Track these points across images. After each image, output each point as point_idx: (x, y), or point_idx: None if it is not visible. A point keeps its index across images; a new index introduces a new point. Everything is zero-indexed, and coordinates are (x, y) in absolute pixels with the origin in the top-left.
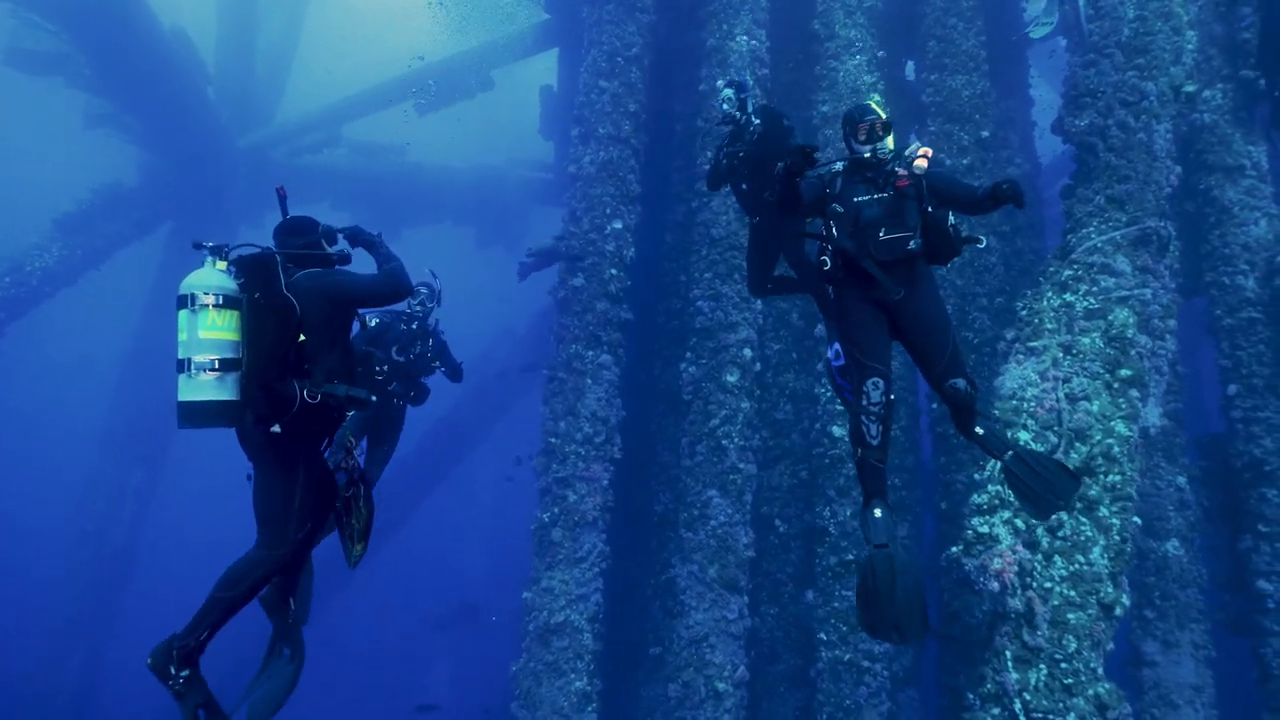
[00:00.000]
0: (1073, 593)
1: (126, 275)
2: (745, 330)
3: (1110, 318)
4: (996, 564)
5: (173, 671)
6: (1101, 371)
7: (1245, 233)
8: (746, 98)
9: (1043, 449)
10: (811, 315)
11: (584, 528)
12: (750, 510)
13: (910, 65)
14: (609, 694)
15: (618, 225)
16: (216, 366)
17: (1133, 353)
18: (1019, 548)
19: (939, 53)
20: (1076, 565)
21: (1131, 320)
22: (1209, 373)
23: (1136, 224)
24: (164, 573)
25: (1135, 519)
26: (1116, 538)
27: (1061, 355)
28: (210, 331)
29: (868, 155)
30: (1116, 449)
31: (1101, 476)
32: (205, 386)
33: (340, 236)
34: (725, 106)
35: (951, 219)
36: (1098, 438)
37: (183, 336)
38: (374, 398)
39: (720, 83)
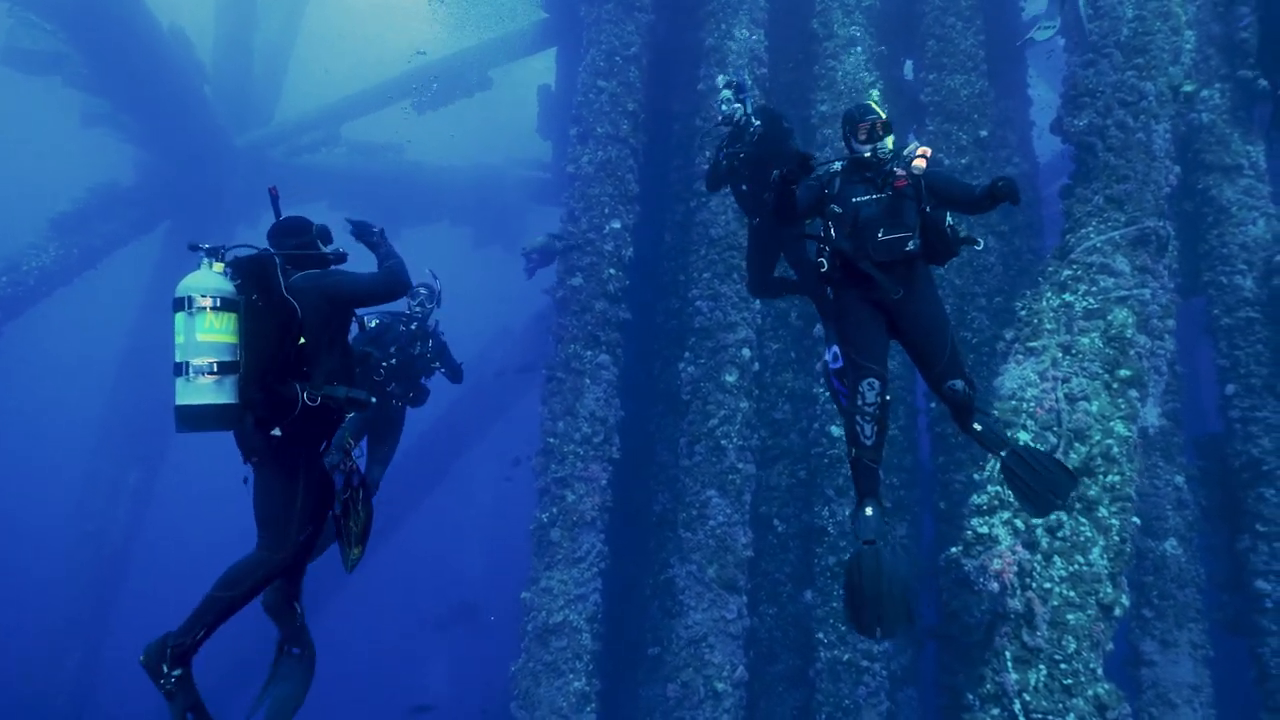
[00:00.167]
0: (1072, 593)
1: (123, 275)
2: (744, 330)
3: (1109, 318)
4: (996, 564)
5: (165, 670)
6: (1101, 372)
7: (1243, 232)
8: (746, 98)
9: (1042, 449)
10: (810, 315)
11: (583, 528)
12: (749, 510)
13: (909, 64)
14: (608, 694)
15: (616, 225)
16: (215, 370)
17: (1132, 353)
18: (1019, 548)
19: (937, 52)
20: (1076, 566)
21: (1130, 320)
22: (1207, 372)
23: (1135, 224)
24: (162, 572)
25: (1134, 519)
26: (1116, 538)
27: (1061, 355)
28: (208, 334)
29: (868, 155)
30: (1116, 449)
31: (1101, 477)
32: (204, 390)
33: (333, 234)
34: (724, 107)
35: (949, 219)
36: (1097, 438)
37: (180, 339)
38: (373, 399)
39: (720, 79)
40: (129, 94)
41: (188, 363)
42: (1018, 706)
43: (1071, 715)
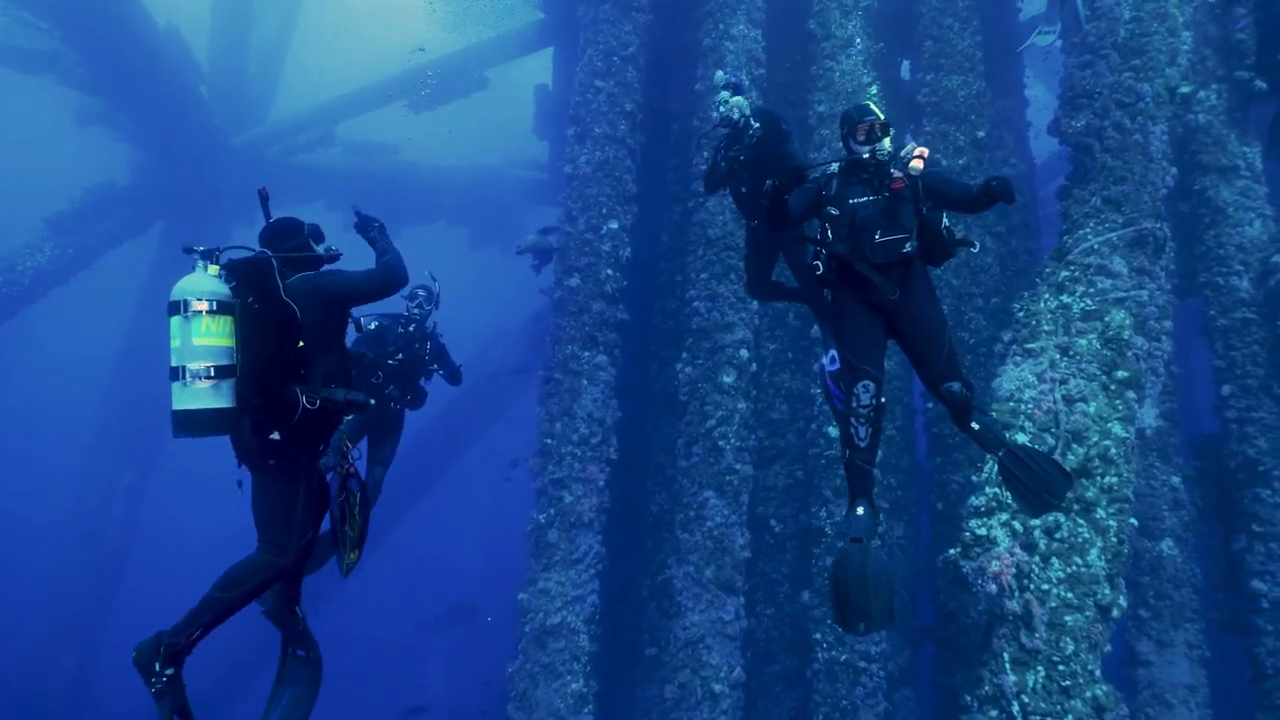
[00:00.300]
0: (1070, 594)
1: (119, 274)
2: (741, 330)
3: (1107, 319)
4: (994, 566)
5: (157, 669)
6: (1098, 373)
7: (1240, 233)
8: (744, 96)
9: (1040, 450)
10: (808, 315)
11: (580, 529)
12: (746, 511)
13: (905, 65)
14: (605, 696)
15: (614, 225)
16: (212, 374)
17: (1129, 354)
18: (1017, 550)
19: (935, 53)
20: (1074, 567)
21: (1128, 322)
22: (1203, 373)
23: (1133, 225)
24: (159, 571)
25: (1132, 520)
26: (1114, 539)
27: (1058, 357)
28: (205, 338)
29: (866, 156)
30: (1113, 450)
31: (1098, 478)
32: (201, 395)
33: (325, 232)
34: (722, 109)
35: (945, 221)
36: (1095, 439)
37: (176, 344)
38: (371, 401)
39: (719, 75)
40: (124, 93)
41: (184, 367)
42: (1016, 708)
43: (1070, 717)
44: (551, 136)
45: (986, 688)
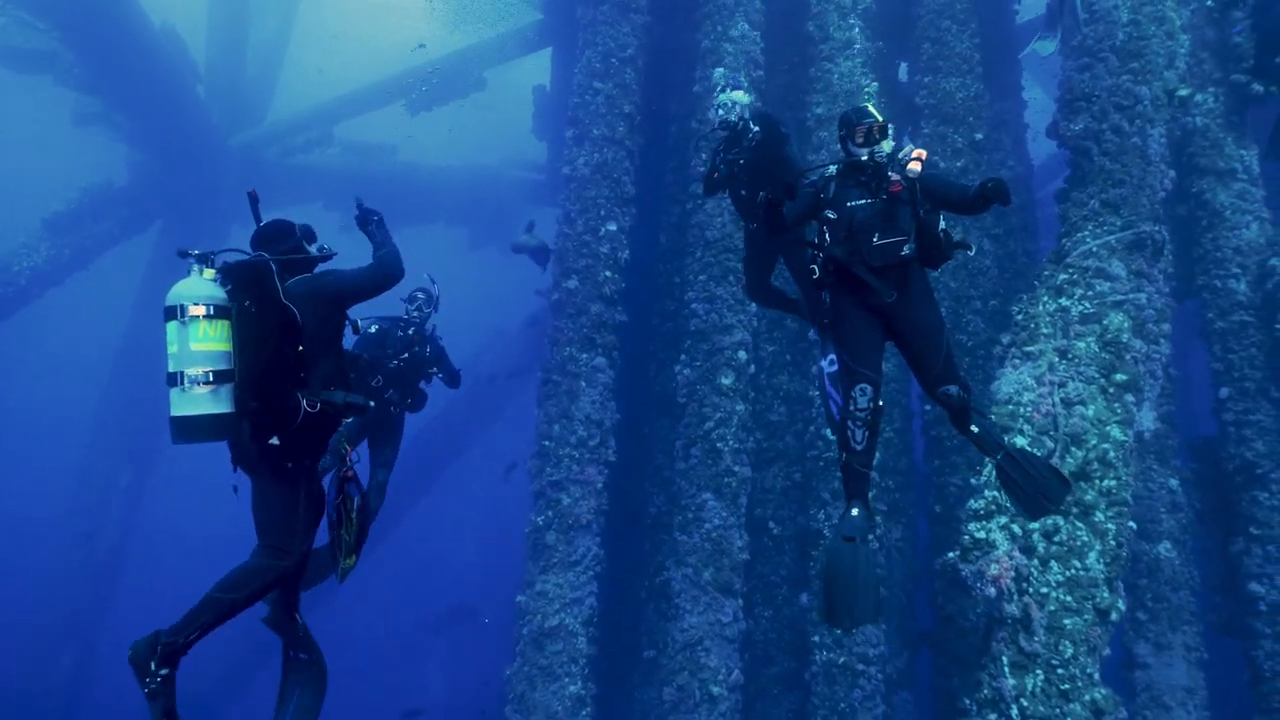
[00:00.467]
0: (1069, 598)
1: (117, 274)
2: (740, 332)
3: (1105, 322)
4: (993, 569)
5: (152, 668)
6: (1097, 376)
7: (1237, 236)
8: (743, 94)
9: (1039, 454)
10: None
11: (578, 531)
12: (744, 513)
13: (904, 67)
14: (603, 698)
15: (612, 227)
16: (211, 379)
17: (1128, 357)
18: (1016, 553)
19: (933, 55)
20: (1073, 570)
21: (1126, 325)
22: (1201, 376)
23: (1131, 228)
24: (157, 570)
25: (1130, 523)
26: (1112, 543)
27: (1057, 360)
28: (202, 343)
29: (865, 158)
30: (1112, 454)
31: (1097, 481)
32: (200, 400)
33: (316, 231)
34: (721, 113)
35: (942, 224)
36: (1093, 442)
37: (173, 349)
38: (371, 403)
39: (718, 72)
40: (122, 93)
41: (182, 373)
42: (1015, 711)
43: None
44: (550, 137)
45: (985, 691)
